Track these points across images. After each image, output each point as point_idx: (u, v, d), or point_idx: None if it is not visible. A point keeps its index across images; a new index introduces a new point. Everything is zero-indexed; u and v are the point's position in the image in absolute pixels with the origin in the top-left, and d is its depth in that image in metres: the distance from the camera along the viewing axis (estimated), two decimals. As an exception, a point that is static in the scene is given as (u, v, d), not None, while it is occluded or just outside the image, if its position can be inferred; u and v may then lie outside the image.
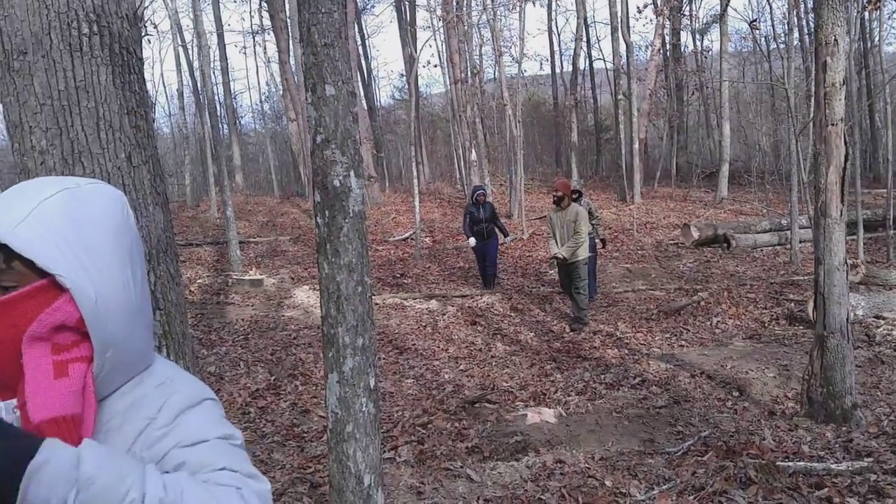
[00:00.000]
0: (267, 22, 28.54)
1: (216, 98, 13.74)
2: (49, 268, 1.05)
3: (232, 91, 24.85)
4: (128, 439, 1.11)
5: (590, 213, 9.57)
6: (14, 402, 1.06)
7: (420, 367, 7.16)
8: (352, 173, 2.09)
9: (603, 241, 10.45)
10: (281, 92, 27.66)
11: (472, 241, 10.89)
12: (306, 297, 10.31)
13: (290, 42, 21.69)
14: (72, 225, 1.09)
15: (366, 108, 25.83)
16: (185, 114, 26.03)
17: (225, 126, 26.57)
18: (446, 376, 6.83)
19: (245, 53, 52.58)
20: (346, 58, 2.06)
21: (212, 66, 13.30)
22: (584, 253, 8.53)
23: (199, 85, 20.37)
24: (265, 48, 42.53)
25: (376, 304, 9.41)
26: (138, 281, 1.18)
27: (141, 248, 1.21)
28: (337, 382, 2.12)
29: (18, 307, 1.05)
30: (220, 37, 13.80)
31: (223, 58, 13.82)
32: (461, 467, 4.53)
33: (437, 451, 4.85)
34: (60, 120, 2.25)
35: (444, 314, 9.23)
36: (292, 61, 22.07)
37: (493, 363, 7.21)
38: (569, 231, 8.50)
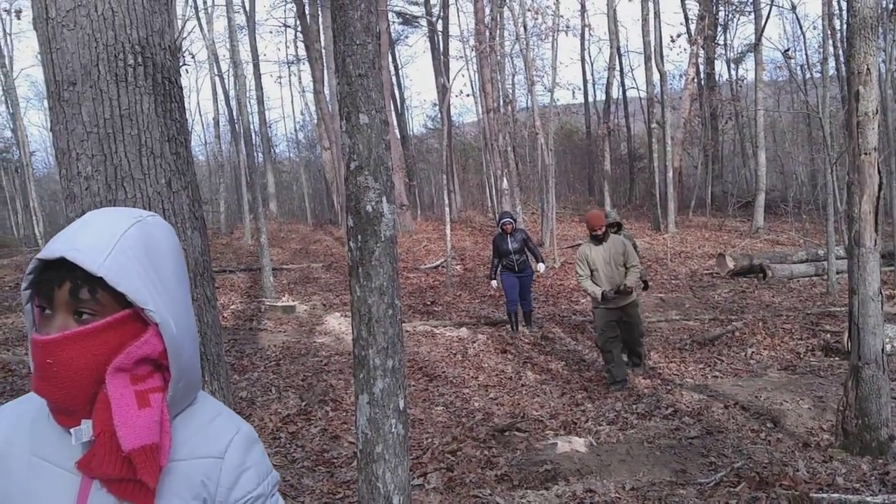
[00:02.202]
0: (302, 52, 29.11)
1: (251, 127, 14.01)
2: (139, 301, 1.09)
3: (267, 120, 25.22)
4: (197, 473, 1.18)
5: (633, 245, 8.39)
6: (81, 427, 1.11)
7: (450, 394, 7.16)
8: (384, 199, 2.15)
9: (646, 282, 9.25)
10: (315, 121, 28.12)
11: (494, 283, 10.07)
12: (338, 323, 10.39)
13: (325, 72, 22.08)
14: (148, 258, 1.14)
15: (399, 136, 26.15)
16: (220, 142, 26.53)
17: (260, 154, 27.02)
18: (476, 404, 6.83)
19: (280, 83, 53.59)
20: (379, 88, 2.12)
21: (247, 95, 13.58)
22: (634, 294, 7.53)
23: (234, 114, 20.82)
24: (300, 78, 43.42)
25: (407, 331, 9.45)
26: (192, 308, 1.24)
27: (187, 274, 1.27)
28: (367, 403, 2.16)
29: (100, 337, 1.09)
30: (256, 66, 14.09)
31: (258, 87, 14.10)
32: (490, 495, 4.52)
33: (466, 478, 4.85)
34: (105, 147, 2.34)
35: (474, 342, 9.24)
36: (327, 91, 22.45)
37: (524, 391, 7.20)
38: (616, 266, 7.31)
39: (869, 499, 3.95)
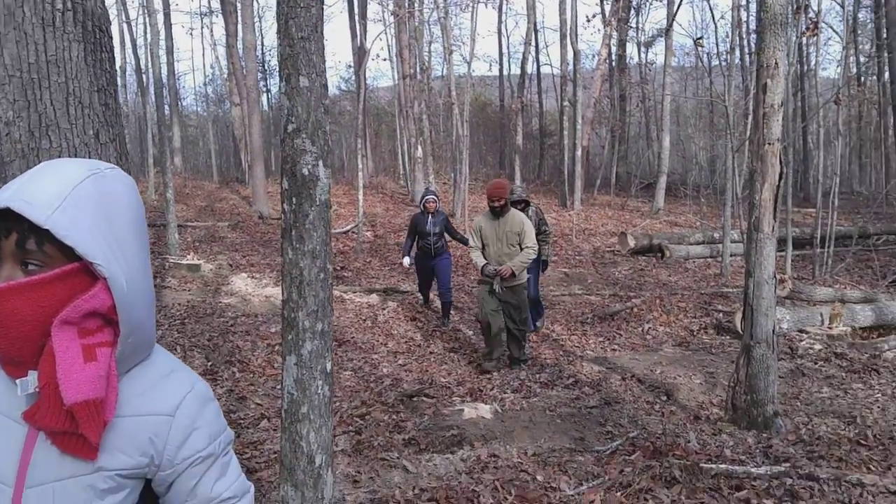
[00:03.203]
0: (216, 4, 28.07)
1: (161, 78, 13.50)
2: (88, 255, 1.08)
3: (175, 72, 24.28)
4: (145, 430, 1.18)
5: (539, 223, 8.23)
6: (27, 378, 1.10)
7: (359, 359, 7.20)
8: (320, 163, 2.15)
9: (545, 262, 8.61)
10: (226, 76, 27.26)
11: (407, 260, 9.16)
12: (244, 284, 10.23)
13: (239, 26, 21.36)
14: (103, 212, 1.12)
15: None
16: (126, 92, 25.38)
17: (167, 107, 26.01)
18: (385, 370, 6.90)
19: (191, 35, 51.57)
20: (320, 51, 2.12)
21: (158, 45, 13.03)
22: (523, 276, 7.03)
23: (142, 63, 19.95)
24: (212, 31, 41.83)
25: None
26: (149, 264, 1.23)
27: (147, 230, 1.25)
28: (295, 365, 2.18)
29: (47, 289, 1.08)
30: (167, 16, 13.53)
31: (168, 37, 13.57)
32: (398, 458, 4.60)
33: (374, 441, 4.92)
34: (29, 93, 2.24)
35: (383, 309, 9.29)
36: (240, 45, 21.74)
37: (432, 359, 7.31)
38: (509, 244, 6.85)
39: (753, 470, 4.24)
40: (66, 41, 2.30)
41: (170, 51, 13.77)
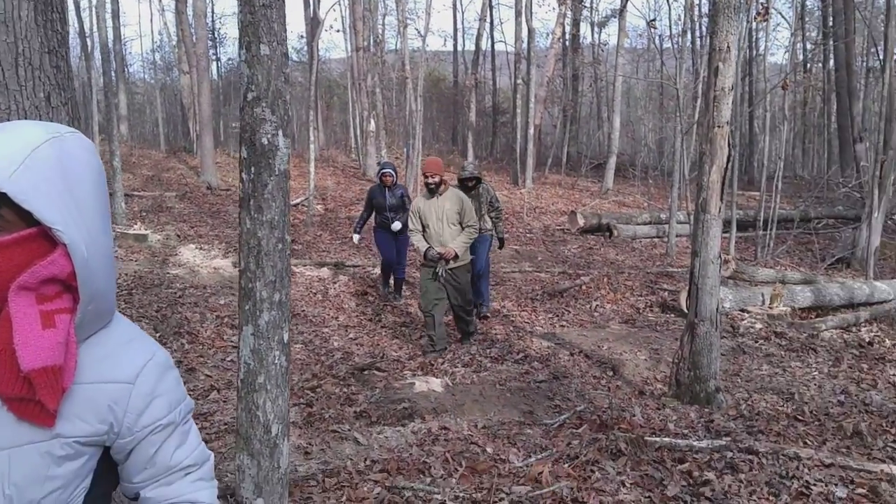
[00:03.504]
0: (164, -33, 27.27)
1: (107, 42, 13.09)
2: (47, 220, 1.05)
3: (122, 37, 23.55)
4: (104, 397, 1.16)
5: (491, 202, 7.88)
6: None
7: (309, 332, 7.18)
8: (280, 133, 2.13)
9: (501, 240, 8.19)
10: (174, 42, 26.60)
11: (356, 237, 8.86)
12: (192, 255, 10.09)
13: (189, -9, 20.86)
14: (62, 176, 1.09)
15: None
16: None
17: (113, 73, 25.26)
18: (336, 343, 6.90)
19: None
20: (282, 19, 2.09)
21: (105, 8, 12.66)
22: (467, 256, 6.76)
23: (86, 27, 19.33)
24: (161, -6, 40.59)
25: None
26: (110, 230, 1.21)
27: (108, 196, 1.23)
28: (252, 335, 2.18)
29: (4, 253, 1.06)
30: (114, -22, 13.15)
31: (114, 0, 13.19)
32: (349, 430, 4.63)
33: (325, 414, 4.93)
34: (-25, 52, 2.17)
35: (335, 282, 9.26)
36: (190, 12, 21.22)
37: (383, 333, 7.33)
38: (449, 223, 6.54)
39: (695, 443, 4.38)
40: (16, 0, 2.23)
41: (116, 15, 13.40)
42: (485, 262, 8.06)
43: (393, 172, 8.52)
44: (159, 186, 16.27)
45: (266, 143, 2.12)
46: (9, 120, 2.23)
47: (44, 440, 1.11)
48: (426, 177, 6.58)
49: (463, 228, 6.59)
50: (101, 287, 1.15)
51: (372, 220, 8.79)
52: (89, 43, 18.28)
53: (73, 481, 1.16)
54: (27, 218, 1.06)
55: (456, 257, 6.52)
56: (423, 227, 6.63)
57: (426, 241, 6.60)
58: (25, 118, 2.25)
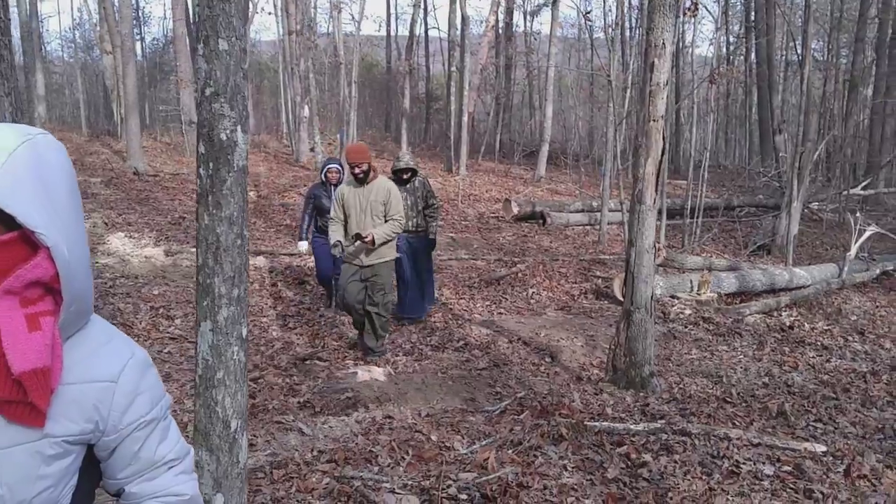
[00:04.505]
0: (85, -57, 26.26)
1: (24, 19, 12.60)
2: (29, 224, 1.06)
3: (39, 13, 22.60)
4: (89, 396, 1.18)
5: (426, 196, 7.34)
6: None
7: (248, 323, 7.10)
8: (239, 128, 2.12)
9: (432, 240, 7.57)
10: (95, 21, 25.70)
11: (304, 245, 7.59)
12: (122, 244, 9.81)
13: (112, -32, 20.15)
14: (40, 179, 1.10)
15: (189, 47, 24.57)
16: (-19, 32, 23.44)
17: (30, 51, 24.25)
18: (275, 333, 6.85)
19: (55, -27, 48.05)
20: (241, 14, 2.08)
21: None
22: (391, 253, 6.24)
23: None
24: (80, -30, 39.06)
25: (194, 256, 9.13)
26: (84, 230, 1.21)
27: (80, 195, 1.23)
28: (210, 331, 2.17)
29: None
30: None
31: (34, -24, 12.70)
32: (293, 421, 4.63)
33: (268, 405, 4.92)
34: (-86, 40, 2.10)
35: (270, 271, 9.17)
36: (113, -10, 20.53)
37: (322, 322, 7.30)
38: (374, 216, 6.04)
39: (632, 426, 4.54)
40: (-41, -13, 2.16)
41: (36, -9, 12.88)
42: (429, 264, 7.65)
43: (340, 168, 7.43)
44: (83, 172, 15.72)
45: (225, 138, 2.11)
46: (-49, 110, 2.17)
47: (34, 440, 1.12)
48: (352, 167, 6.08)
49: (386, 221, 6.09)
50: (81, 287, 1.16)
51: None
52: (5, 16, 17.46)
53: (62, 479, 1.18)
54: (8, 222, 1.06)
55: (373, 244, 5.93)
56: (345, 217, 6.15)
57: (346, 231, 6.12)
58: (-32, 110, 2.19)
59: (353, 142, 16.72)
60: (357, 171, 6.06)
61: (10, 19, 2.33)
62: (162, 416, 1.29)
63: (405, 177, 7.22)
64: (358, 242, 5.98)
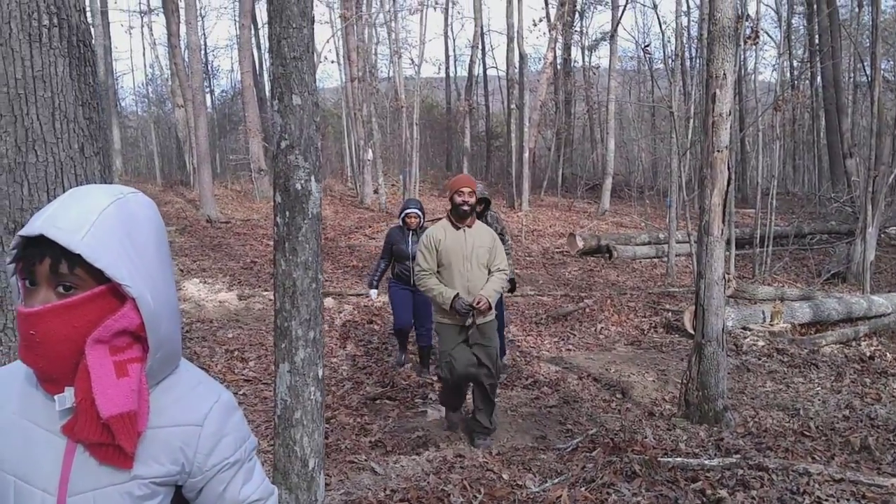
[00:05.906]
0: (155, 2, 27.60)
1: (103, 79, 13.28)
2: (116, 277, 1.15)
3: (114, 72, 23.77)
4: (176, 439, 1.26)
5: (502, 232, 6.49)
6: (65, 394, 1.18)
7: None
8: (312, 178, 2.23)
9: (512, 281, 6.53)
10: (168, 76, 26.83)
11: (374, 294, 7.27)
12: (196, 290, 10.14)
13: (182, 26, 21.06)
14: (128, 235, 1.20)
15: (257, 98, 25.42)
16: (64, 92, 24.70)
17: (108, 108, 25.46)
18: (345, 373, 6.95)
19: (130, 34, 50.58)
20: (312, 70, 2.20)
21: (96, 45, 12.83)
22: (493, 311, 5.13)
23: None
24: (151, 29, 41.04)
25: (270, 299, 9.36)
26: (172, 280, 1.31)
27: (168, 247, 1.33)
28: (288, 372, 2.26)
29: (80, 309, 1.16)
30: (105, 14, 13.33)
31: (106, 35, 13.38)
32: (365, 460, 4.69)
33: (341, 444, 4.99)
34: (16, 107, 2.27)
35: (340, 312, 9.32)
36: (183, 45, 21.44)
37: (391, 361, 7.37)
38: (479, 265, 4.99)
39: (707, 462, 4.45)
40: (52, 56, 2.34)
41: (108, 51, 13.60)
42: (500, 309, 6.59)
43: (419, 213, 6.84)
44: (159, 221, 16.33)
45: (299, 188, 2.21)
46: (45, 171, 2.34)
47: (124, 482, 1.21)
48: (462, 203, 4.98)
49: (492, 272, 5.08)
50: (167, 335, 1.25)
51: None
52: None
53: None
54: (98, 276, 1.16)
55: (490, 308, 5.00)
56: (439, 266, 5.02)
57: (443, 287, 4.95)
58: (61, 170, 2.35)
59: (416, 183, 16.94)
60: (465, 207, 4.97)
61: (98, 84, 2.50)
62: (247, 457, 1.36)
63: (478, 209, 6.07)
64: (472, 312, 4.89)
